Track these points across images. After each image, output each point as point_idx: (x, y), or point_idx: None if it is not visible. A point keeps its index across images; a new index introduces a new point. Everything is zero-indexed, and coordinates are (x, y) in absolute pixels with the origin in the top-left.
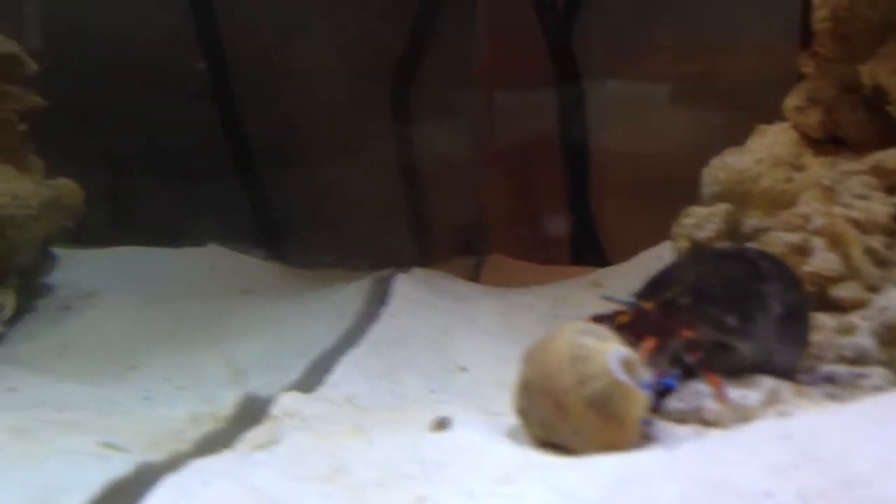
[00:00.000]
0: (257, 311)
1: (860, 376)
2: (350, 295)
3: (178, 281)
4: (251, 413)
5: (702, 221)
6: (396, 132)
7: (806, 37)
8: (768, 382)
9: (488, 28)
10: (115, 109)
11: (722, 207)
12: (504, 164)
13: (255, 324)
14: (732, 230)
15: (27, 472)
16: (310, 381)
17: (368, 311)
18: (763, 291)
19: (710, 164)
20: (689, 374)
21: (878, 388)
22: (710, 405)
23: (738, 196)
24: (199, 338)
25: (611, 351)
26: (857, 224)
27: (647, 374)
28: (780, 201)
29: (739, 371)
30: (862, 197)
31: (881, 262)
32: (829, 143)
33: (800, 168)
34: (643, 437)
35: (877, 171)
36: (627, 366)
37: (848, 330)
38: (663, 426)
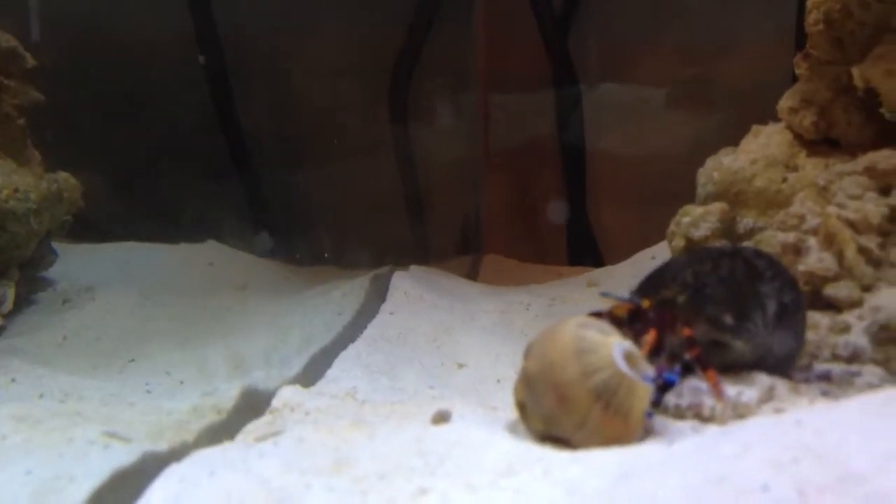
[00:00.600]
0: (255, 307)
1: (854, 374)
2: (349, 292)
3: (176, 276)
4: (253, 405)
5: (697, 220)
6: (394, 131)
7: (801, 39)
8: (764, 380)
9: (485, 29)
10: (114, 107)
11: (717, 207)
12: (502, 165)
13: (253, 319)
14: (727, 229)
15: (32, 461)
16: (310, 375)
17: (367, 308)
18: (760, 290)
19: (706, 164)
20: (686, 370)
21: (872, 386)
22: (708, 401)
23: (733, 196)
24: (198, 333)
25: (615, 343)
26: (851, 224)
27: (648, 368)
28: (774, 201)
29: (736, 368)
30: (856, 197)
31: (875, 262)
32: (822, 143)
33: (794, 168)
34: (644, 432)
35: (870, 171)
36: (630, 359)
37: (842, 329)
38: (662, 421)
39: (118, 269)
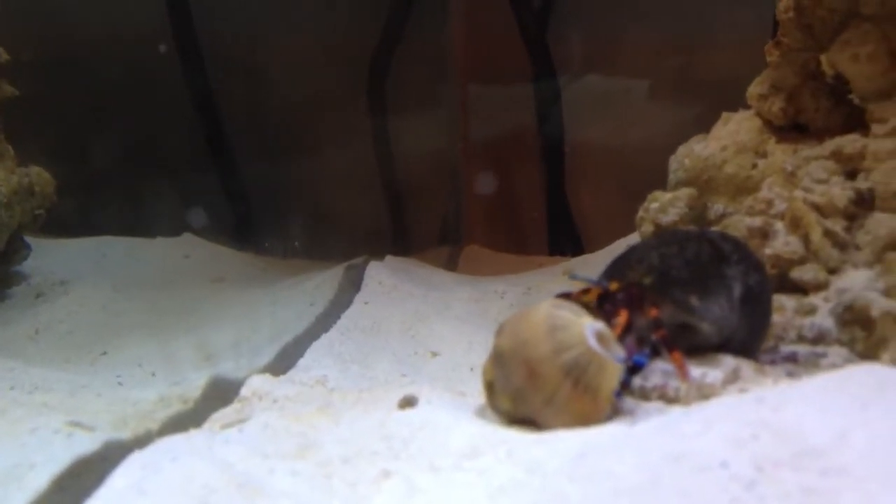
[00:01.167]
0: (229, 299)
1: (820, 355)
2: (322, 282)
3: (151, 270)
4: (221, 395)
5: (665, 206)
6: (372, 124)
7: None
8: (730, 361)
9: (463, 22)
10: (91, 101)
11: (685, 192)
12: (481, 156)
13: (227, 311)
14: (696, 215)
15: None
16: (281, 364)
17: (341, 298)
18: (725, 273)
19: (677, 151)
20: (653, 352)
21: (836, 367)
22: (673, 383)
23: (704, 182)
24: (171, 325)
25: (587, 323)
26: (817, 208)
27: (619, 350)
28: (744, 187)
29: (701, 350)
30: (822, 181)
31: (840, 245)
32: (791, 130)
33: (763, 155)
34: (612, 412)
35: (837, 156)
36: (601, 338)
37: (808, 311)
38: (628, 403)
39: (92, 263)
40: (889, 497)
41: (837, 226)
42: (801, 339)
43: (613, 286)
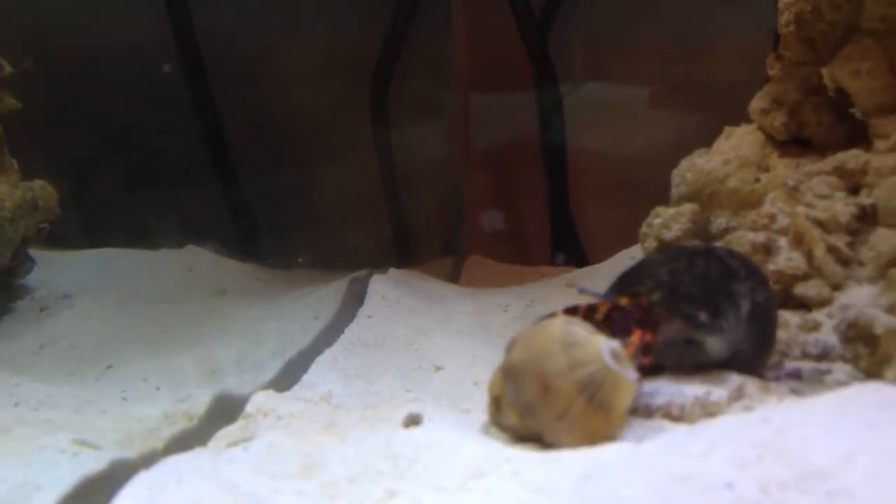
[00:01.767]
0: (233, 313)
1: (824, 372)
2: (326, 296)
3: (155, 282)
4: (226, 412)
5: (668, 222)
6: (375, 134)
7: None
8: (734, 379)
9: (465, 31)
10: (95, 113)
11: (688, 207)
12: (484, 166)
13: (231, 325)
14: (699, 230)
15: (1, 469)
16: (285, 380)
17: (344, 312)
18: (733, 289)
19: (679, 165)
20: (656, 370)
21: (841, 384)
22: (678, 401)
23: (707, 197)
24: (176, 339)
25: (603, 340)
26: (820, 224)
27: (632, 369)
28: (747, 202)
29: (707, 367)
30: (825, 197)
31: (844, 261)
32: (794, 144)
33: (766, 169)
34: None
35: (839, 171)
36: (616, 357)
37: (812, 327)
38: (632, 421)
39: (96, 276)
40: None
41: (840, 242)
42: (805, 355)
43: (623, 301)
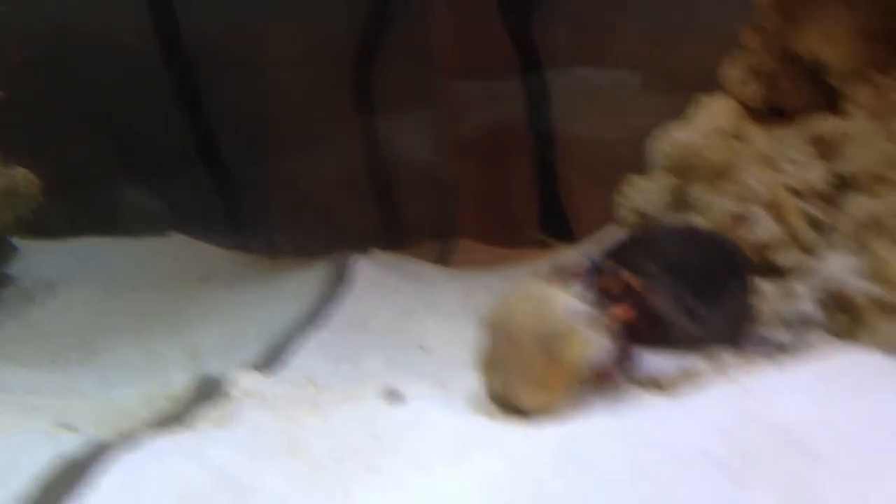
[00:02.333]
0: (217, 298)
1: (803, 341)
2: (309, 279)
3: (138, 270)
4: (209, 394)
5: (645, 192)
6: (359, 118)
7: None
8: (716, 351)
9: (446, 13)
10: (76, 100)
11: (665, 179)
12: (471, 150)
13: (214, 310)
14: (677, 202)
15: None
16: (269, 363)
17: (329, 295)
18: (731, 287)
19: (656, 137)
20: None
21: (820, 352)
22: (663, 372)
23: (684, 168)
24: (159, 325)
25: (571, 298)
26: (795, 191)
27: (603, 334)
28: (724, 173)
29: (691, 343)
30: (800, 165)
31: (819, 228)
32: (770, 113)
33: (742, 139)
34: (593, 386)
35: (814, 139)
36: (585, 317)
37: (790, 296)
38: (616, 392)
39: (80, 264)
40: (872, 486)
41: (816, 209)
42: (784, 324)
43: (631, 279)
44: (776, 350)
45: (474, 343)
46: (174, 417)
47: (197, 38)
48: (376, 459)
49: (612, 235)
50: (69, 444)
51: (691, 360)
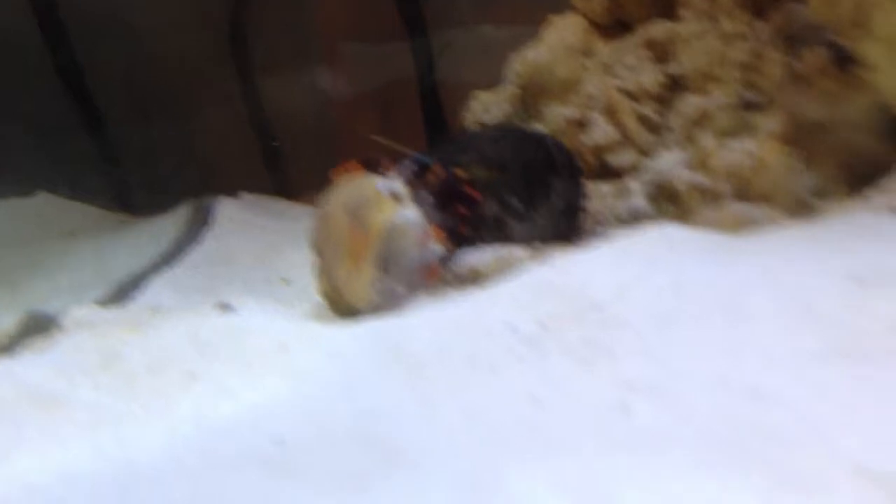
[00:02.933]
0: (77, 249)
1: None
2: (169, 222)
3: (3, 227)
4: (41, 328)
5: (488, 105)
6: (239, 81)
7: None
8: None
9: None
10: None
11: (507, 91)
12: (355, 111)
13: (73, 260)
14: (519, 113)
15: None
16: (116, 298)
17: (189, 236)
18: (552, 184)
19: (511, 58)
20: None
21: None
22: (481, 259)
23: (536, 86)
24: (13, 279)
25: (382, 180)
26: (630, 94)
27: (411, 207)
28: (574, 88)
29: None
30: (635, 69)
31: (653, 128)
32: (616, 27)
33: (591, 54)
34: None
35: (648, 43)
36: (392, 194)
37: (623, 193)
38: (440, 290)
39: None
40: (663, 341)
41: (650, 110)
42: (618, 220)
43: (456, 172)
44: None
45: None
46: (1, 349)
47: (75, 6)
48: (196, 366)
49: None
50: None
51: (511, 250)
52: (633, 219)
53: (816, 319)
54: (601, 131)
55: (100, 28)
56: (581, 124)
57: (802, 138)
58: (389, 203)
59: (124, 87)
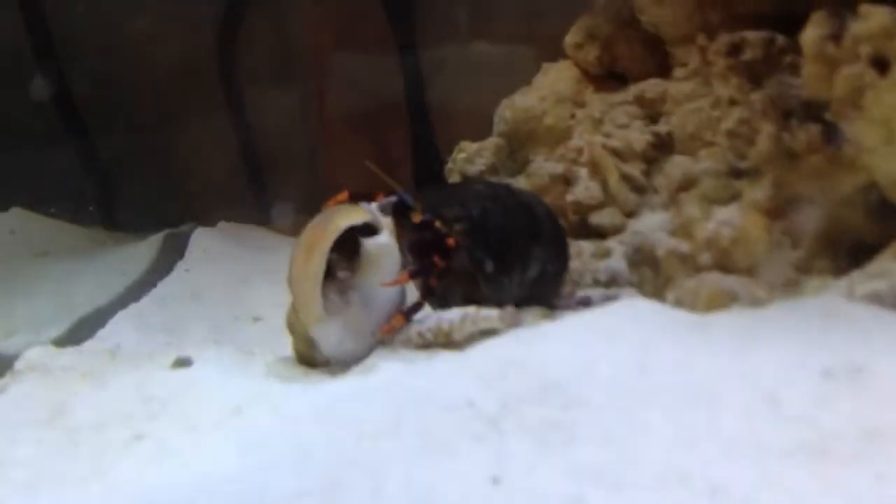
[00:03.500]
0: (46, 273)
1: (612, 297)
2: (139, 250)
3: None
4: None
5: (472, 156)
6: (225, 96)
7: None
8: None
9: None
10: None
11: (492, 142)
12: (342, 126)
13: (40, 285)
14: (508, 165)
15: None
16: (75, 336)
17: (159, 266)
18: (531, 252)
19: (501, 103)
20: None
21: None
22: (447, 316)
23: (525, 134)
24: None
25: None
26: (617, 152)
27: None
28: (563, 138)
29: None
30: (623, 126)
31: (638, 189)
32: (609, 79)
33: (581, 104)
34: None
35: (639, 100)
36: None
37: (604, 254)
38: (406, 353)
39: None
40: (624, 425)
41: (635, 169)
42: (596, 282)
43: (416, 217)
44: (585, 307)
45: None
46: None
47: (62, 20)
48: (142, 424)
49: None
50: None
51: (480, 313)
52: (612, 281)
53: (784, 414)
54: (584, 189)
55: (84, 40)
56: (566, 180)
57: (789, 211)
58: (361, 212)
59: (104, 100)
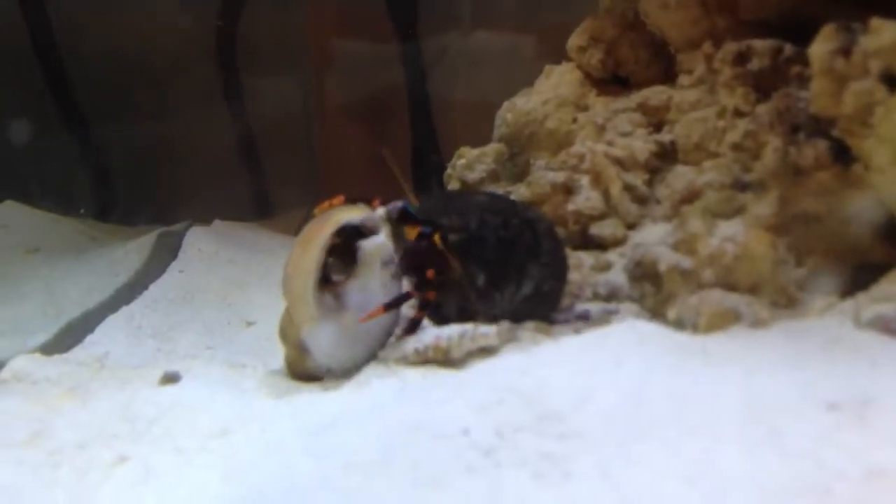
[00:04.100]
0: (35, 271)
1: (612, 312)
2: (131, 250)
3: None
4: None
5: (472, 163)
6: (224, 85)
7: None
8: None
9: None
10: None
11: (492, 148)
12: (341, 118)
13: (28, 285)
14: (508, 170)
15: None
16: (64, 342)
17: (152, 267)
18: (527, 269)
19: (502, 106)
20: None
21: (609, 324)
22: (445, 333)
23: (526, 137)
24: None
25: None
26: (619, 161)
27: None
28: (565, 142)
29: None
30: (626, 134)
31: (641, 199)
32: (613, 82)
33: (584, 108)
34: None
35: (643, 107)
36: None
37: (604, 267)
38: (404, 372)
39: None
40: (621, 459)
41: (638, 180)
42: (595, 296)
43: (413, 231)
44: (584, 322)
45: None
46: None
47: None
48: (126, 446)
49: None
50: None
51: (478, 330)
52: (612, 295)
53: (786, 449)
54: (586, 199)
55: (83, 31)
56: (567, 189)
57: (794, 228)
58: (360, 210)
59: (102, 91)
